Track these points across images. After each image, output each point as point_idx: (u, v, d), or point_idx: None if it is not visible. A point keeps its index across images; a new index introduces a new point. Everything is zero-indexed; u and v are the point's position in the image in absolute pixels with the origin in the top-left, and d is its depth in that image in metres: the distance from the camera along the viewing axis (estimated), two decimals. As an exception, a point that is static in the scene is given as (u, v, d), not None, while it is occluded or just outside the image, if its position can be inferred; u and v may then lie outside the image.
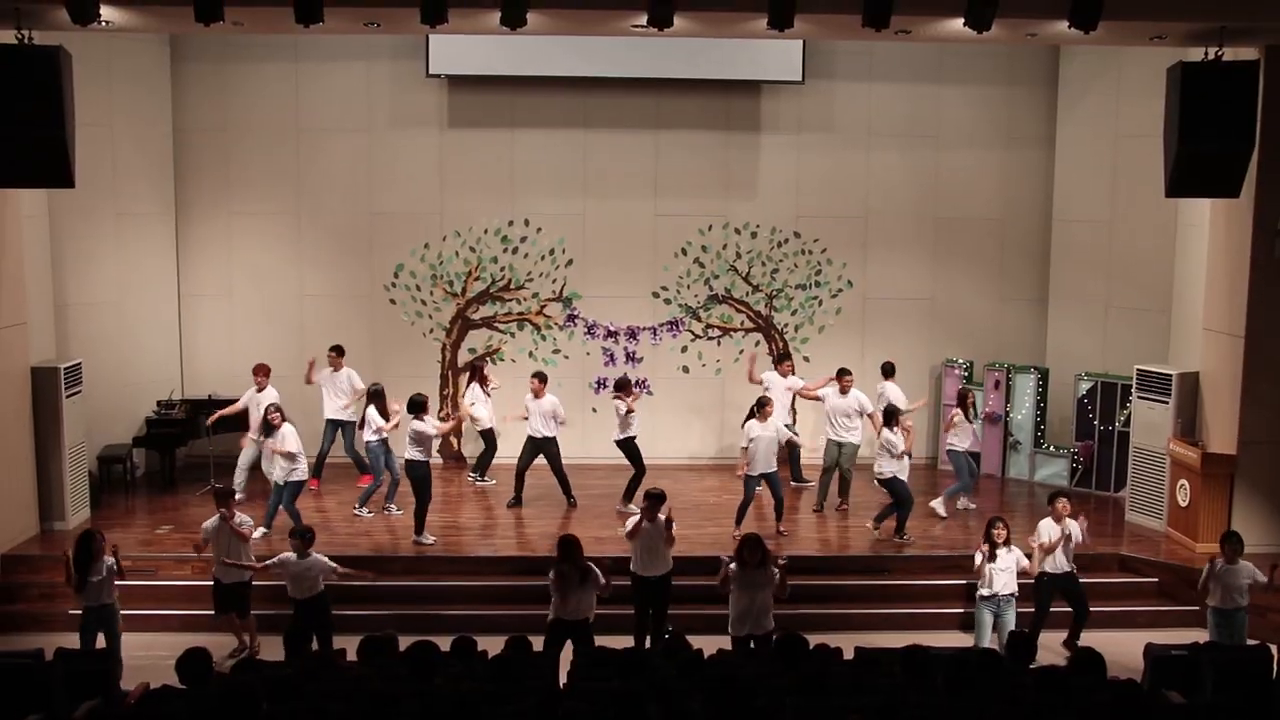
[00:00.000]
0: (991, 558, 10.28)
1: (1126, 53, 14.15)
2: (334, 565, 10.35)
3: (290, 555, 10.22)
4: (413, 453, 12.27)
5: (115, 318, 14.50)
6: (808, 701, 6.72)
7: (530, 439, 13.56)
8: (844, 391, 13.52)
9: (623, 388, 13.58)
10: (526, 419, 13.56)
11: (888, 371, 14.19)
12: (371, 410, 13.15)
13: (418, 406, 12.35)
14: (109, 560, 9.95)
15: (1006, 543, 10.27)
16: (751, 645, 9.64)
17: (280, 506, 12.28)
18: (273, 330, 15.33)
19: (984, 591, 10.29)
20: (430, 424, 12.37)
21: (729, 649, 9.60)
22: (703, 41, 14.13)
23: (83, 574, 9.85)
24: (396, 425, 13.01)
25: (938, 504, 13.44)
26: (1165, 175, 11.17)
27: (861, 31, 10.59)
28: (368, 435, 13.23)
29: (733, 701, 6.21)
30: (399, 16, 10.90)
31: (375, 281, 15.41)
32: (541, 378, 13.70)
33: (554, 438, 13.55)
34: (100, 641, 9.99)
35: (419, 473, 12.25)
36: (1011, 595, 10.28)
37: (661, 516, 10.39)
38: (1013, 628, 10.13)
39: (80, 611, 10.07)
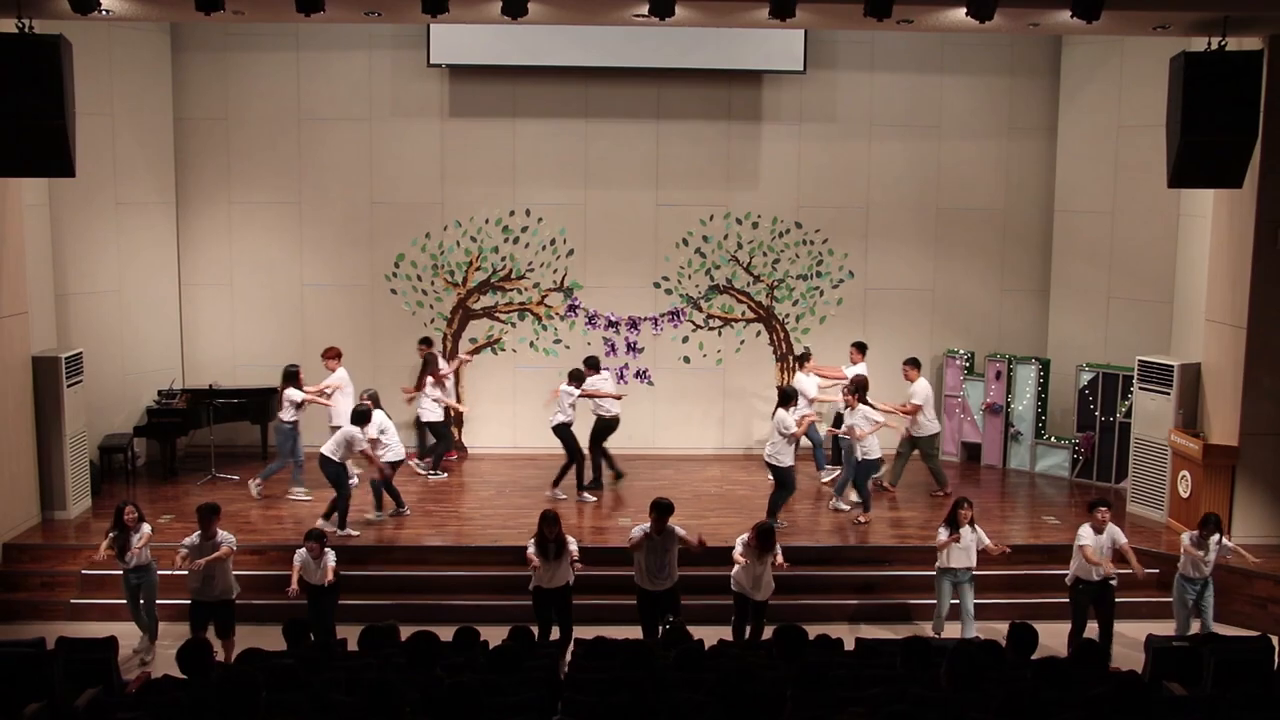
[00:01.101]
0: (955, 537, 10.51)
1: (1129, 42, 14.10)
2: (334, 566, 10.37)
3: (304, 554, 10.30)
4: (330, 450, 12.19)
5: (116, 307, 14.49)
6: (808, 693, 6.71)
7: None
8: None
9: (575, 378, 13.56)
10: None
11: (804, 359, 14.43)
12: (290, 390, 13.27)
13: (363, 418, 12.31)
14: (145, 528, 10.42)
15: (971, 523, 10.54)
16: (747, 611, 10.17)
17: (381, 487, 12.73)
18: (274, 320, 15.33)
19: (942, 564, 10.65)
20: (369, 432, 12.35)
21: (729, 639, 9.62)
22: (704, 31, 14.11)
23: (119, 544, 10.28)
24: (324, 393, 13.66)
25: (837, 503, 13.22)
26: (1168, 165, 11.14)
27: (863, 21, 10.58)
28: (284, 416, 13.32)
29: (733, 692, 6.19)
30: (400, 5, 10.86)
31: (376, 271, 15.40)
32: (587, 364, 13.95)
33: (598, 416, 13.85)
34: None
35: (331, 470, 12.20)
36: (968, 569, 10.58)
37: (680, 530, 10.10)
38: (970, 602, 10.57)
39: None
